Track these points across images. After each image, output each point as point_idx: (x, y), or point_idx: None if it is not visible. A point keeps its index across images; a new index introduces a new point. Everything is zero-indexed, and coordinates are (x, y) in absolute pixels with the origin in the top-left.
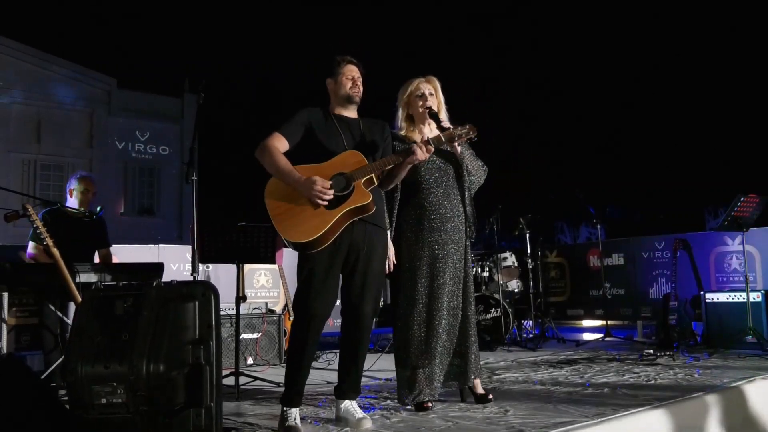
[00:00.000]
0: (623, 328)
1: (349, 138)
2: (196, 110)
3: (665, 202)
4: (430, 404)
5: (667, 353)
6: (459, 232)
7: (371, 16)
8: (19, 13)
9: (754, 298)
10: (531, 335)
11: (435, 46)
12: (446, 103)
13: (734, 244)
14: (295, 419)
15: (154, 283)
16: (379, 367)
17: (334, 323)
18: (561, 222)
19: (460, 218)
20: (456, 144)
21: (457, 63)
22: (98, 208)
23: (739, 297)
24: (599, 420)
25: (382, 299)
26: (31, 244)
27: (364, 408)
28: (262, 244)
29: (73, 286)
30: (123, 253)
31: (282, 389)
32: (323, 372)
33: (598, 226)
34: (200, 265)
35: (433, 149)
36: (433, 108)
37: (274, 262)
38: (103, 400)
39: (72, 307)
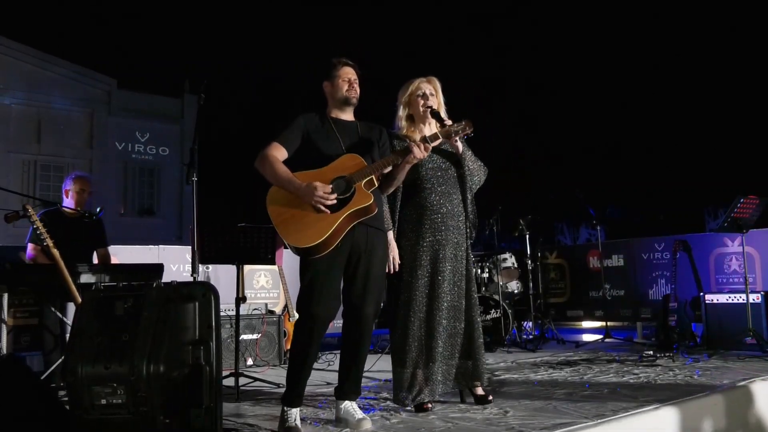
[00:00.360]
0: (623, 330)
1: (347, 141)
2: (196, 111)
3: (665, 203)
4: (429, 405)
5: (667, 354)
6: (460, 232)
7: (371, 16)
8: (19, 13)
9: (753, 300)
10: (531, 336)
11: (435, 46)
12: (447, 103)
13: (734, 245)
14: (295, 420)
15: (154, 284)
16: (379, 367)
17: (334, 324)
18: (561, 223)
19: (460, 218)
20: (457, 142)
21: (457, 63)
22: (98, 209)
23: (739, 298)
24: (599, 421)
25: (382, 301)
26: (30, 245)
27: (364, 409)
28: (262, 245)
29: (73, 286)
30: (123, 254)
31: (282, 390)
32: (323, 373)
33: (598, 228)
34: (200, 265)
35: (431, 148)
36: (434, 108)
37: (274, 263)
38: (103, 401)
39: (72, 307)
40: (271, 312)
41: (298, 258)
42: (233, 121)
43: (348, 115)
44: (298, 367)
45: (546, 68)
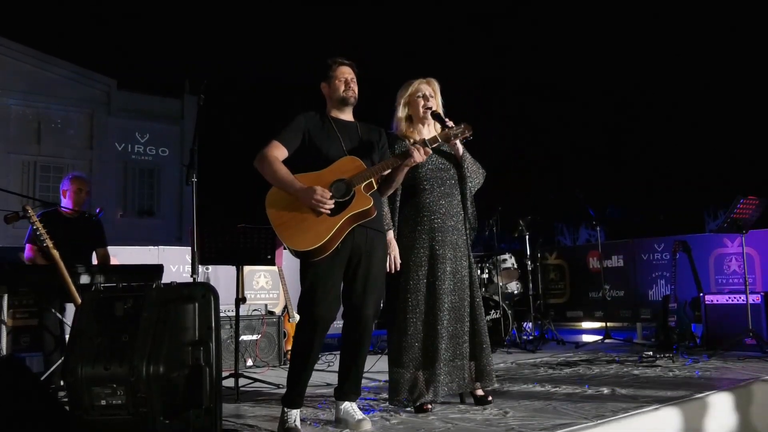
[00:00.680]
0: (623, 330)
1: (347, 141)
2: (196, 112)
3: (665, 204)
4: (429, 406)
5: (667, 355)
6: (459, 233)
7: (371, 16)
8: (19, 14)
9: (753, 300)
10: (530, 337)
11: (435, 46)
12: (447, 104)
13: (734, 245)
14: (295, 421)
15: (154, 285)
16: (379, 368)
17: (334, 325)
18: (560, 224)
19: (459, 218)
20: (457, 144)
21: (457, 63)
22: (97, 210)
23: (739, 299)
24: (599, 422)
25: (382, 301)
26: (28, 245)
27: (364, 409)
28: (261, 245)
29: (72, 287)
30: (123, 255)
31: (282, 391)
32: (323, 373)
33: (598, 228)
34: (200, 266)
35: (430, 150)
36: (435, 109)
37: (273, 264)
38: (103, 402)
39: (71, 308)
40: (271, 313)
41: (297, 259)
42: (233, 122)
43: (347, 115)
44: (299, 367)
45: (546, 68)
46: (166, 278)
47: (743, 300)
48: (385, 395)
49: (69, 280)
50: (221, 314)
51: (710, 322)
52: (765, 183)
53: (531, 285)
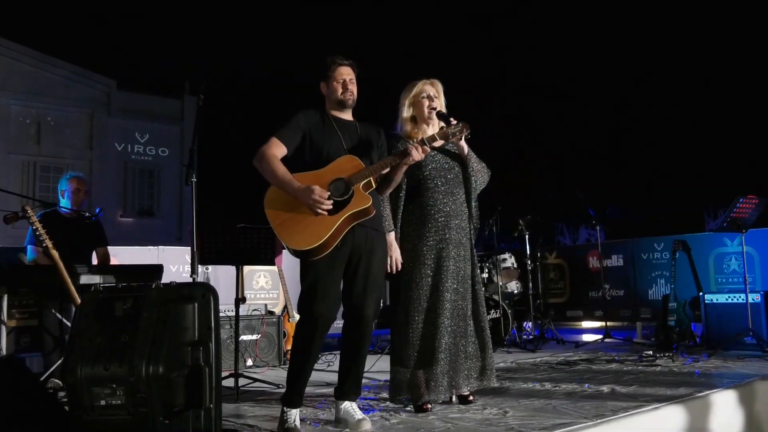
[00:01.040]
0: (622, 330)
1: (347, 139)
2: (196, 112)
3: (665, 203)
4: (429, 406)
5: (667, 354)
6: (463, 232)
7: (371, 16)
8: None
9: (753, 299)
10: (530, 337)
11: (435, 46)
12: (447, 103)
13: (733, 245)
14: (294, 420)
15: (154, 285)
16: (379, 368)
17: (334, 325)
18: (560, 223)
19: (464, 217)
20: (462, 143)
21: (457, 63)
22: (97, 210)
23: (739, 298)
24: (598, 421)
25: (381, 301)
26: (31, 246)
27: (364, 409)
28: (261, 245)
29: (72, 287)
30: (122, 255)
31: (281, 390)
32: (323, 373)
33: (598, 228)
34: (200, 266)
35: (428, 149)
36: (440, 110)
37: (273, 264)
38: (103, 402)
39: (71, 308)
40: (271, 313)
41: (297, 258)
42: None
43: (347, 115)
44: (300, 366)
45: (546, 68)
46: (166, 278)
47: (743, 299)
48: (385, 395)
49: (69, 280)
50: (221, 314)
51: (710, 322)
52: (765, 183)
53: (531, 284)
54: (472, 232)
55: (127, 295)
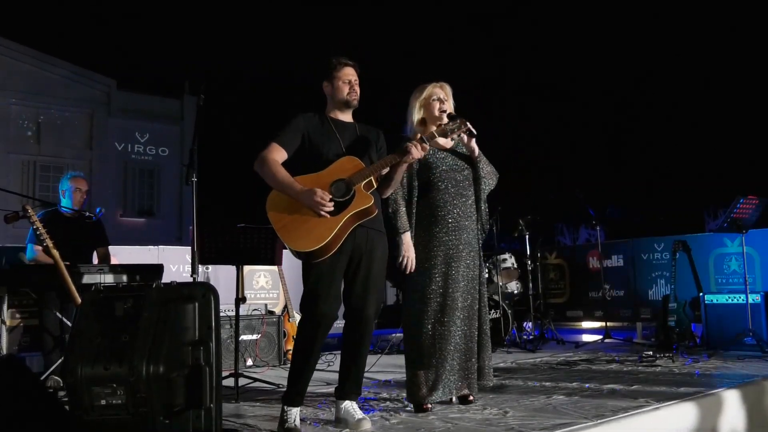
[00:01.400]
0: (623, 330)
1: (346, 141)
2: (196, 112)
3: (665, 204)
4: (429, 406)
5: (667, 355)
6: (473, 233)
7: (371, 16)
8: (19, 14)
9: (753, 300)
10: (530, 337)
11: (435, 46)
12: (453, 105)
13: (734, 245)
14: (294, 420)
15: (154, 285)
16: (379, 368)
17: (335, 325)
18: (560, 224)
19: (473, 219)
20: (473, 144)
21: (457, 63)
22: (97, 210)
23: (739, 298)
24: (599, 421)
25: (382, 301)
26: (32, 245)
27: (364, 409)
28: (262, 245)
29: (72, 287)
30: (122, 255)
31: (282, 390)
32: (323, 373)
33: (598, 228)
34: (200, 266)
35: (428, 147)
36: (451, 112)
37: (273, 264)
38: (103, 402)
39: (72, 308)
40: (271, 312)
41: (298, 259)
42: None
43: (347, 116)
44: (301, 365)
45: (546, 68)
46: (166, 278)
47: (743, 300)
48: (384, 395)
49: (69, 280)
50: (221, 314)
51: (710, 322)
52: (765, 183)
53: (531, 285)
54: (480, 233)
55: (127, 295)
